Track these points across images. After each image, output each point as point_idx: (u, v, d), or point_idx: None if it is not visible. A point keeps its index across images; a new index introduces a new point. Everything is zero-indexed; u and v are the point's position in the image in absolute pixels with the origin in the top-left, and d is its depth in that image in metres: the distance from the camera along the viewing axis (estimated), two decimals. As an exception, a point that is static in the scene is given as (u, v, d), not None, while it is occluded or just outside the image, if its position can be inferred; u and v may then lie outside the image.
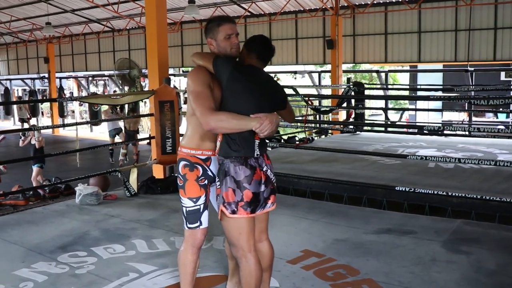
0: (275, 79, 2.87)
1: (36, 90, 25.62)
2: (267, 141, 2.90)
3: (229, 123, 2.58)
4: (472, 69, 13.67)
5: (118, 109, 13.97)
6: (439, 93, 14.92)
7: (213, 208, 3.00)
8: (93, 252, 4.16)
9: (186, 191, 2.90)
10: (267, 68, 3.01)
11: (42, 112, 27.22)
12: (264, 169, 2.76)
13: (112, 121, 13.27)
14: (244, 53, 2.84)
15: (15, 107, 24.99)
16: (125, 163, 12.60)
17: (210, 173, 2.92)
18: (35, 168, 9.78)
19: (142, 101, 13.60)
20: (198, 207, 2.89)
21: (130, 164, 9.74)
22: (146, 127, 21.48)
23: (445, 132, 10.49)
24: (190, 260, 2.95)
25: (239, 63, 2.83)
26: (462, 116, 17.91)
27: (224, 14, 2.52)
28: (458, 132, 10.79)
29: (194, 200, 2.89)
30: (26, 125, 21.91)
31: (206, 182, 2.91)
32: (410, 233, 4.60)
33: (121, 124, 14.23)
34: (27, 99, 25.50)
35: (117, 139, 13.67)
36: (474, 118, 17.13)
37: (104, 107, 15.37)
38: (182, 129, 10.93)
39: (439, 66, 18.04)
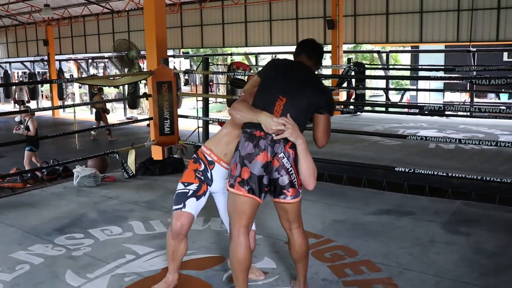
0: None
1: (36, 73, 25.42)
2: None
3: (242, 112, 2.69)
4: (475, 49, 13.52)
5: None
6: (441, 73, 14.78)
7: (211, 198, 3.10)
8: (90, 234, 4.14)
9: (182, 177, 3.01)
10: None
11: (42, 95, 27.08)
12: (280, 155, 2.64)
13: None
14: (295, 55, 3.04)
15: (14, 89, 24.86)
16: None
17: (209, 175, 2.97)
18: (25, 152, 9.54)
19: (140, 82, 13.53)
20: (187, 190, 2.93)
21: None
22: (146, 109, 21.40)
23: (446, 112, 10.42)
24: (171, 244, 2.97)
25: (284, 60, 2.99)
26: (464, 97, 17.79)
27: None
28: (459, 113, 10.72)
29: (186, 184, 2.96)
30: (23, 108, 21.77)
31: (202, 178, 2.95)
32: (410, 214, 4.57)
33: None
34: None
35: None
36: (475, 99, 17.01)
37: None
38: (181, 110, 10.74)
39: (441, 46, 17.85)
